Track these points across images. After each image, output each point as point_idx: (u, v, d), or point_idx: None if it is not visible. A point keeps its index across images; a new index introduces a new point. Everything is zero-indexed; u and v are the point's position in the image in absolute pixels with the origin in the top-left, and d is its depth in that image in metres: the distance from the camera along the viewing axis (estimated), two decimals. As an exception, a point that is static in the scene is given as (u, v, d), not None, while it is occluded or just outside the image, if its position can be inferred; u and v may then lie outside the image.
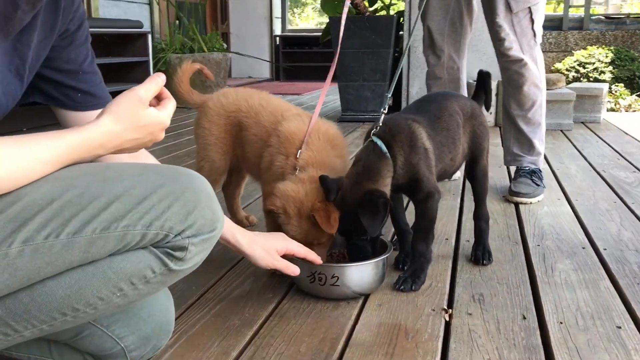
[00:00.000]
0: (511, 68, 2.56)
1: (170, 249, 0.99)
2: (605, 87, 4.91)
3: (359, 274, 1.56)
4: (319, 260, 1.50)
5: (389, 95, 1.79)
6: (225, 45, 6.10)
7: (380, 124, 1.61)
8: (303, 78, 9.42)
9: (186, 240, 0.99)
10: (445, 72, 2.80)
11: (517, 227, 2.18)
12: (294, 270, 1.44)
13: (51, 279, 0.95)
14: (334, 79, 1.86)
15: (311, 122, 1.69)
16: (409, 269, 1.67)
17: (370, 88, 4.74)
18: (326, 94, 1.85)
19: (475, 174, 1.83)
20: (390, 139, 1.58)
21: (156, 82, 1.02)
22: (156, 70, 5.58)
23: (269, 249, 1.37)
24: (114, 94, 1.04)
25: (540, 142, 2.64)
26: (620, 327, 1.42)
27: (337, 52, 1.96)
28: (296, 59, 9.96)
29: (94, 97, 1.18)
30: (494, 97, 4.43)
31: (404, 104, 4.82)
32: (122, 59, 5.16)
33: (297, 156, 1.63)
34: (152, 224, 0.96)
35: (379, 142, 1.57)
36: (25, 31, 1.01)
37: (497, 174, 2.96)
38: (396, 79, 1.81)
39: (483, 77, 1.93)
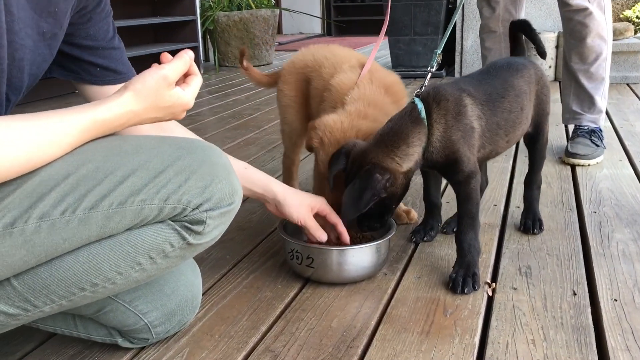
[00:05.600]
0: (574, 18, 2.35)
1: (188, 222, 0.96)
2: (679, 35, 4.53)
3: (336, 259, 1.40)
4: (345, 233, 1.39)
5: (439, 52, 1.58)
6: (273, 1, 5.98)
7: (427, 84, 1.45)
8: (355, 33, 9.20)
9: (204, 214, 0.95)
10: (500, 25, 2.61)
11: (573, 191, 2.04)
12: (320, 235, 1.35)
13: (69, 254, 0.93)
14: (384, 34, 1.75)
15: (363, 71, 1.59)
16: (460, 265, 1.43)
17: (421, 42, 4.55)
18: (377, 49, 1.74)
19: (537, 141, 1.66)
20: (433, 104, 1.39)
21: (184, 60, 0.98)
22: (204, 29, 5.54)
23: (303, 203, 1.32)
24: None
25: (602, 98, 2.44)
26: (682, 306, 1.30)
27: (390, 2, 1.85)
28: (348, 12, 9.72)
29: (114, 72, 1.15)
30: (554, 50, 4.17)
31: (457, 59, 4.62)
32: (169, 18, 5.15)
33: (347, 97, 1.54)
34: (169, 197, 0.93)
35: (420, 105, 1.39)
36: None
37: (554, 132, 2.78)
38: (448, 33, 1.62)
39: (525, 29, 1.70)
